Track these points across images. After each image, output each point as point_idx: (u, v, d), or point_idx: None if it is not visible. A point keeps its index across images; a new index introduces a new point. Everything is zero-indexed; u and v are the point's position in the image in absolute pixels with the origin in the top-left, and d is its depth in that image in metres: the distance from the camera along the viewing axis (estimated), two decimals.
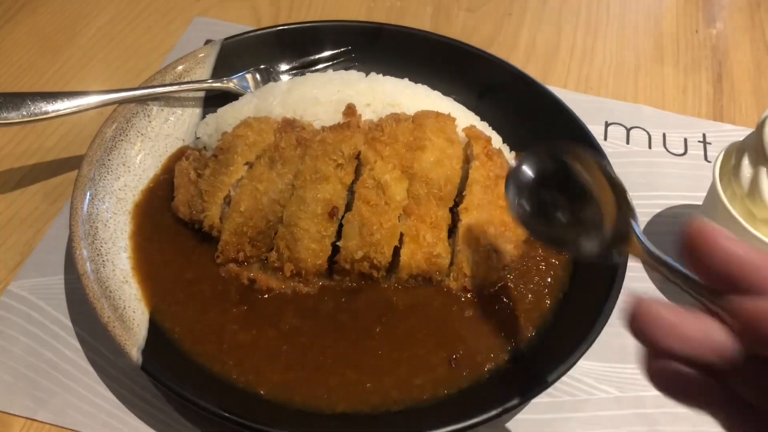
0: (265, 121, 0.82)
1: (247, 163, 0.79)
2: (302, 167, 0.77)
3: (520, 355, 0.73)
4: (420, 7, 1.21)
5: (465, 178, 0.82)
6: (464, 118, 0.90)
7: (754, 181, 0.75)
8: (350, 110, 0.82)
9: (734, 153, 0.79)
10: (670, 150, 1.02)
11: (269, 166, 0.78)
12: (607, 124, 1.05)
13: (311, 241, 0.75)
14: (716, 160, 0.80)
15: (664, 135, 1.04)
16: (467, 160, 0.84)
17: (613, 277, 0.75)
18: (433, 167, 0.80)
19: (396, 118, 0.82)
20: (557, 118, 0.92)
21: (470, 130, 0.86)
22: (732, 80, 1.13)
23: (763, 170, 0.75)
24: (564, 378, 0.68)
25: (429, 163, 0.80)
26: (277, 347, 0.72)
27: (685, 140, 1.03)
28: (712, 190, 0.79)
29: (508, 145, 0.93)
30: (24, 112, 0.81)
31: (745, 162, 0.77)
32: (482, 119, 0.94)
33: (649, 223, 0.92)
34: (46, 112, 0.82)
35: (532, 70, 1.11)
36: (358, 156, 0.79)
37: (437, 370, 0.72)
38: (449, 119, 0.84)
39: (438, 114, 0.84)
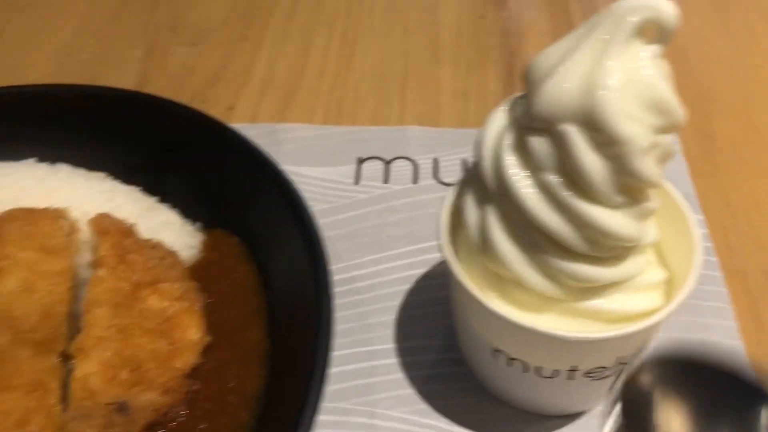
0: None
1: None
2: None
3: None
4: (127, 50, 0.94)
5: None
6: (109, 200, 0.63)
7: (484, 228, 0.49)
8: None
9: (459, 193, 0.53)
10: (442, 180, 0.76)
11: None
12: (360, 162, 0.78)
13: None
14: (440, 215, 0.53)
15: (435, 161, 0.77)
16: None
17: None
18: (16, 298, 0.52)
19: None
20: (255, 173, 0.65)
21: (98, 221, 0.58)
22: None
23: (490, 210, 0.48)
24: None
25: (10, 292, 0.52)
26: None
27: (464, 162, 0.77)
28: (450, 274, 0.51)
29: (201, 221, 0.67)
30: None
31: (469, 203, 0.50)
32: (162, 194, 0.67)
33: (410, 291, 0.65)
34: None
35: (269, 104, 0.85)
36: None
37: None
38: (49, 215, 0.56)
39: (30, 212, 0.56)
